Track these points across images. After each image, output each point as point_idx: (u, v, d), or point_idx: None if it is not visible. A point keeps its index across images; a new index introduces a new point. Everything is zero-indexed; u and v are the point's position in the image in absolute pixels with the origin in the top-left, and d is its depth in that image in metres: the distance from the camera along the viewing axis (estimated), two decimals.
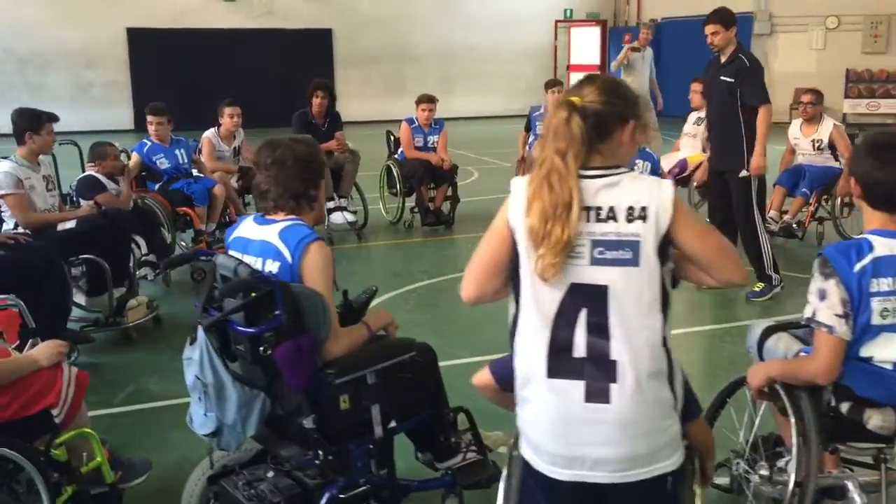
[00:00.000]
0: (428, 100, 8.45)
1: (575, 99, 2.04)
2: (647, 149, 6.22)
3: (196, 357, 2.62)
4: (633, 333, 1.98)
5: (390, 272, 7.09)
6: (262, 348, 2.55)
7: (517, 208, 2.03)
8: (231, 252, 2.81)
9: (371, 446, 2.81)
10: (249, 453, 2.94)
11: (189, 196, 6.63)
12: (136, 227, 5.70)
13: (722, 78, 5.88)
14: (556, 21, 21.62)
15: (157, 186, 6.69)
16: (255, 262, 2.70)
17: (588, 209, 1.99)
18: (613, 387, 1.97)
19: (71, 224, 5.29)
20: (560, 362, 2.01)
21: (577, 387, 1.99)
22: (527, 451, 2.11)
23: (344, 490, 2.72)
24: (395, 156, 8.55)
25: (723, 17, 5.86)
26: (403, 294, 6.30)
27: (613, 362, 1.97)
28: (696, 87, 8.32)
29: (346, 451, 2.76)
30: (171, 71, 18.22)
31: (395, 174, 8.30)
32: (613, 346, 1.98)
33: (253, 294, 2.55)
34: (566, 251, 1.96)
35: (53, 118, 5.29)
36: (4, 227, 5.10)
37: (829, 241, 7.46)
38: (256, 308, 2.58)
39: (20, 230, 5.05)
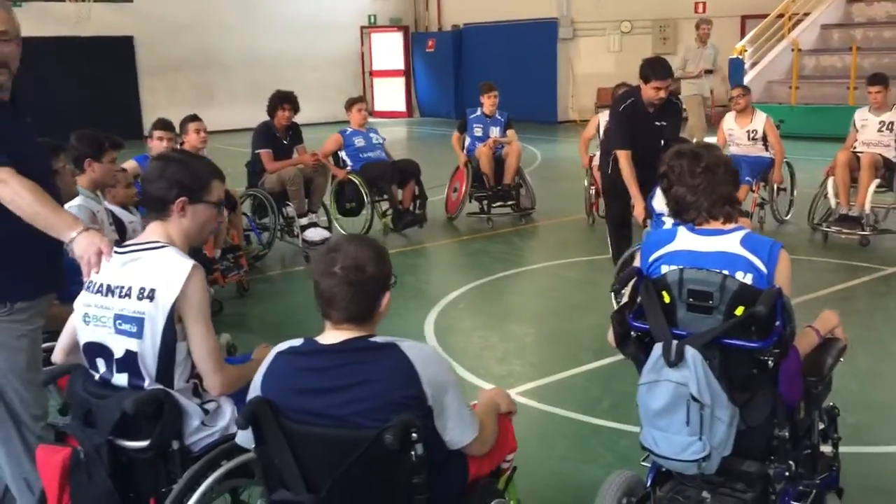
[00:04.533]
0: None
1: None
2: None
3: (687, 378, 2.48)
4: None
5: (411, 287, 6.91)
6: (769, 360, 2.49)
7: None
8: (673, 266, 2.68)
9: (807, 452, 2.82)
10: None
11: None
12: None
13: (657, 123, 5.97)
14: (362, 27, 21.61)
15: None
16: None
17: None
18: None
19: None
20: None
21: None
22: None
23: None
24: (350, 167, 8.15)
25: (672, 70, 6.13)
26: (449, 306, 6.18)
27: None
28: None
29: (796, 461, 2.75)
30: None
31: (358, 184, 7.94)
32: None
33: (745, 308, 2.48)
34: None
35: (117, 145, 4.60)
36: None
37: (769, 225, 8.29)
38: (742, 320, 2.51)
39: None
